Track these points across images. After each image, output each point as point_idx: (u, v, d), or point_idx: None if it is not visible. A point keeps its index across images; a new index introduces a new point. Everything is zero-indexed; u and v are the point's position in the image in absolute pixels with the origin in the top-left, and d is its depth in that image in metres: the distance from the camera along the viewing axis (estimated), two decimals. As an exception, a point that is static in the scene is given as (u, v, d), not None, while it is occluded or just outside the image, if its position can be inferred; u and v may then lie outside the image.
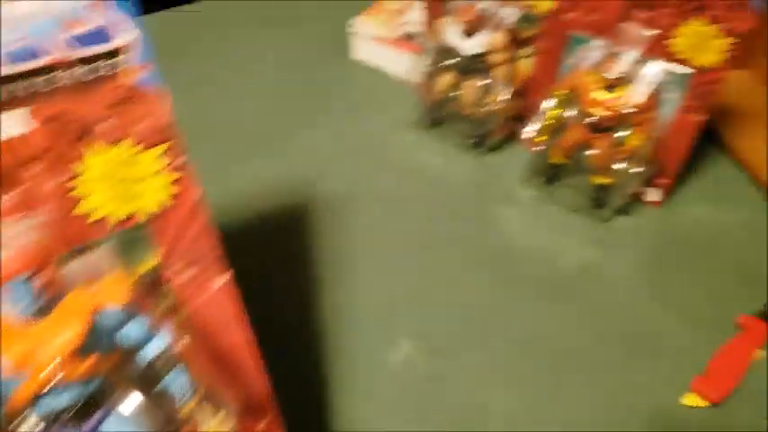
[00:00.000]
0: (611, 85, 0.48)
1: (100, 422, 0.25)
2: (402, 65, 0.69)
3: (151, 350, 0.27)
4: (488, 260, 0.53)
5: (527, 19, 0.55)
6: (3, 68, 0.22)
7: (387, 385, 0.44)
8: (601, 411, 0.43)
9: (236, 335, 0.31)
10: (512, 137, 0.64)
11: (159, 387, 0.27)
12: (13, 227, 0.24)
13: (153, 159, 0.27)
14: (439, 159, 0.63)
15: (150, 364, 0.26)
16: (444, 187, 0.60)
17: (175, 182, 0.27)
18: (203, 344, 0.29)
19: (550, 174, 0.57)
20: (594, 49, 0.50)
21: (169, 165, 0.27)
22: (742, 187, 0.60)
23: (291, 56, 0.75)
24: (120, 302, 0.26)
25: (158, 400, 0.27)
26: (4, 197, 0.24)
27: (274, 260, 0.52)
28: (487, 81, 0.57)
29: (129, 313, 0.26)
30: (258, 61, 0.74)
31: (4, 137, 0.23)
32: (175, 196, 0.27)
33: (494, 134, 0.61)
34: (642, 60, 0.48)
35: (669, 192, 0.57)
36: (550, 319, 0.49)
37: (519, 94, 0.59)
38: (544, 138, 0.55)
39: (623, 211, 0.56)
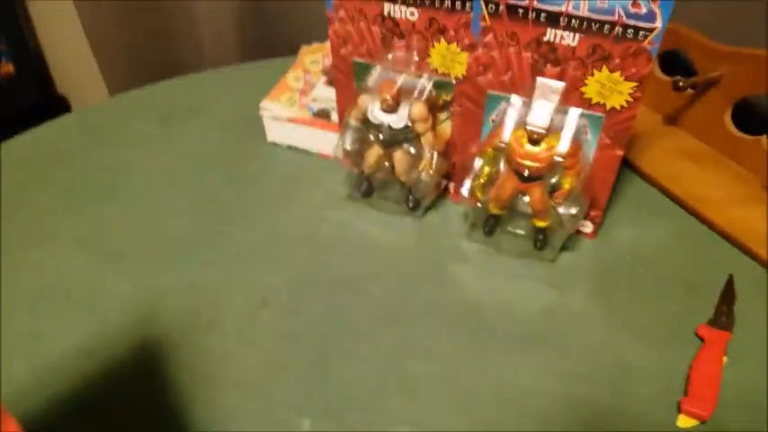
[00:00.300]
0: (536, 138, 0.51)
1: None
2: (321, 142, 0.70)
3: None
4: (452, 320, 0.54)
5: (442, 85, 0.57)
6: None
7: None
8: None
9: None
10: (445, 194, 0.65)
11: None
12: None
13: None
14: (380, 228, 0.63)
15: None
16: (392, 256, 0.60)
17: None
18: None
19: (491, 225, 0.59)
20: (514, 106, 0.53)
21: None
22: (661, 203, 0.65)
23: (204, 150, 0.73)
24: None
25: None
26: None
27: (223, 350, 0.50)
28: (415, 149, 0.59)
29: None
30: (170, 160, 0.71)
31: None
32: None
33: (428, 196, 0.62)
34: (560, 110, 0.51)
35: (600, 222, 0.61)
36: (519, 364, 0.50)
37: (446, 154, 0.61)
38: (479, 194, 0.56)
39: (565, 248, 0.59)
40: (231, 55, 1.06)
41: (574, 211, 0.54)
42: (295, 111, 0.70)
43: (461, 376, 0.50)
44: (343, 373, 0.50)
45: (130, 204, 0.65)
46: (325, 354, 0.51)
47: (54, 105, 1.34)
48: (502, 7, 0.49)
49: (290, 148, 0.73)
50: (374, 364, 0.51)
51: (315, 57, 0.79)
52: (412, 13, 0.53)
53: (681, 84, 0.65)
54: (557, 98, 0.51)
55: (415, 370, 0.50)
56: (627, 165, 0.68)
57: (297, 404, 0.47)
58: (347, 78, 0.60)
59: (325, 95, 0.71)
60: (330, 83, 0.72)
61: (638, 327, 0.53)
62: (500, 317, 0.54)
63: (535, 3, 0.48)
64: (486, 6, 0.50)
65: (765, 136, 0.64)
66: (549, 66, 0.51)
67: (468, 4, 0.51)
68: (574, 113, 0.52)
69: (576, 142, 0.52)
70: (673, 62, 0.70)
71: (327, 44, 0.62)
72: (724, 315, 0.52)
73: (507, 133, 0.53)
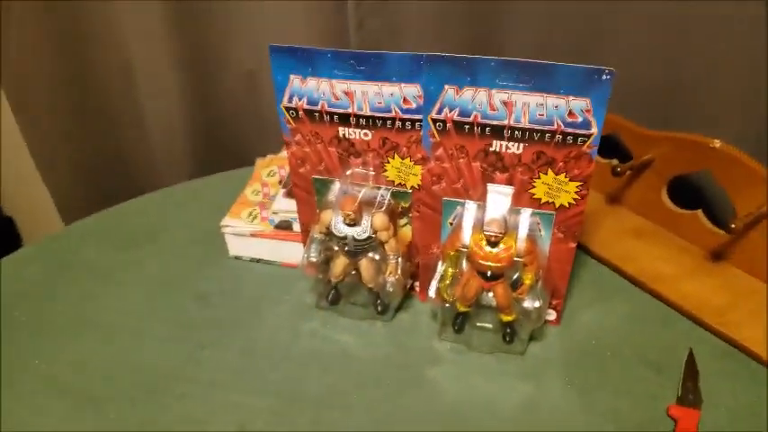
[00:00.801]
0: (494, 241, 0.54)
1: None
2: (284, 252, 0.71)
3: None
4: (437, 425, 0.54)
5: (400, 194, 0.60)
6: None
7: None
8: None
9: None
10: (411, 294, 0.67)
11: None
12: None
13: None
14: (352, 336, 0.63)
15: None
16: (369, 365, 0.60)
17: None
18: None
19: (460, 322, 0.61)
20: (469, 210, 0.56)
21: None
22: (616, 282, 0.69)
23: (168, 273, 0.72)
24: None
25: None
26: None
27: None
28: (380, 255, 0.61)
29: None
30: (134, 288, 0.70)
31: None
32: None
33: (395, 298, 0.64)
34: (513, 211, 0.55)
35: (562, 308, 0.63)
36: None
37: (409, 256, 0.63)
38: (446, 295, 0.58)
39: (533, 338, 0.61)
40: (183, 167, 1.07)
41: (537, 304, 0.57)
42: (257, 225, 0.72)
43: None
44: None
45: (99, 340, 0.64)
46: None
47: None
48: (449, 125, 0.53)
49: (253, 260, 0.74)
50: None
51: (271, 168, 0.82)
52: (366, 134, 0.56)
53: (618, 169, 0.70)
54: (508, 201, 0.54)
55: None
56: (579, 246, 0.72)
57: None
58: (308, 194, 0.63)
59: (286, 207, 0.73)
60: (289, 194, 0.74)
61: (613, 413, 0.54)
62: (482, 417, 0.55)
63: (479, 118, 0.52)
64: (435, 125, 0.53)
65: (701, 210, 0.69)
66: (497, 173, 0.54)
67: (417, 124, 0.54)
68: (525, 214, 0.55)
69: (531, 239, 0.55)
70: (609, 146, 0.76)
71: (282, 154, 0.64)
72: (690, 392, 0.54)
73: (466, 237, 0.56)
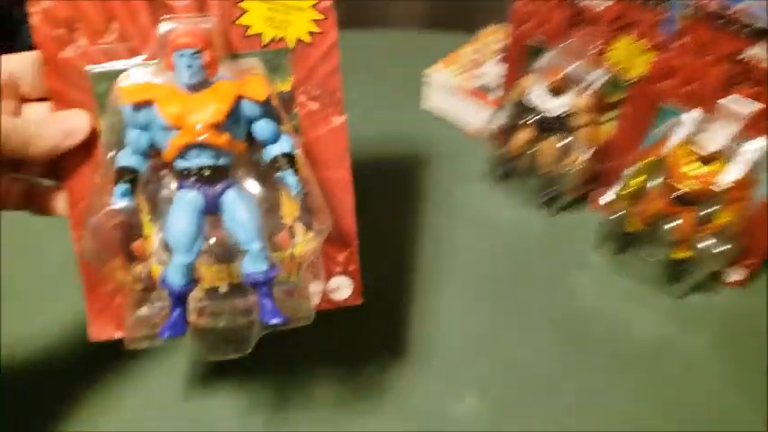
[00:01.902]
0: (704, 160, 0.47)
1: (221, 192, 0.31)
2: (474, 116, 0.69)
3: (275, 149, 0.32)
4: (557, 322, 0.51)
5: (615, 84, 0.54)
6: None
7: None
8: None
9: (340, 171, 0.37)
10: (584, 199, 0.62)
11: (275, 179, 0.32)
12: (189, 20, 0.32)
13: None
14: (508, 214, 0.61)
15: (272, 160, 0.32)
16: (513, 243, 0.58)
17: (318, 21, 0.34)
18: (313, 170, 0.34)
19: (624, 242, 0.55)
20: (687, 121, 0.49)
21: (317, 4, 0.34)
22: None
23: (362, 103, 0.74)
24: (258, 98, 0.31)
25: (271, 193, 0.33)
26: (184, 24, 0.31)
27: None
28: (567, 141, 0.56)
29: (264, 111, 0.31)
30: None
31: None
32: (315, 35, 0.34)
33: (567, 194, 0.60)
34: (741, 137, 0.46)
35: (753, 273, 0.54)
36: (618, 390, 0.47)
37: (598, 157, 0.57)
38: (623, 205, 0.53)
39: (699, 288, 0.54)
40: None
41: (721, 249, 0.49)
42: (459, 81, 0.70)
43: (552, 380, 0.47)
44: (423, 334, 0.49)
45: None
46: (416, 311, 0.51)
47: None
48: (703, 12, 0.45)
49: (442, 117, 0.73)
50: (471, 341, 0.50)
51: (494, 37, 0.78)
52: (600, 4, 0.50)
53: None
54: (741, 123, 0.46)
55: (500, 354, 0.49)
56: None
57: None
58: (519, 59, 0.59)
59: (495, 72, 0.70)
60: (504, 59, 0.71)
61: (754, 395, 0.47)
62: (605, 333, 0.51)
63: (740, 15, 0.43)
64: (687, 8, 0.46)
65: None
66: (742, 85, 0.46)
67: (665, 2, 0.47)
68: (758, 144, 0.46)
69: (749, 176, 0.47)
70: None
71: (507, 27, 0.61)
72: None
73: (671, 147, 0.49)
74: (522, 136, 0.58)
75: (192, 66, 0.30)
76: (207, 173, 0.31)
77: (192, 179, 0.31)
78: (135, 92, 0.30)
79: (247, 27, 0.34)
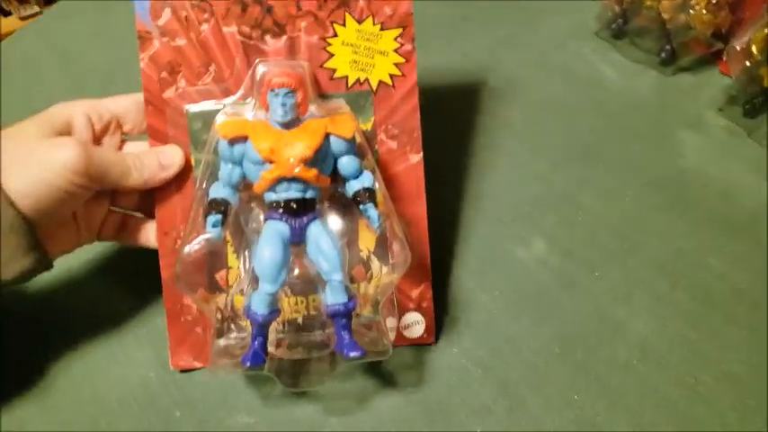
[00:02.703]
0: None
1: (307, 224, 0.32)
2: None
3: (357, 184, 0.33)
4: (656, 181, 0.48)
5: None
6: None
7: (514, 279, 0.43)
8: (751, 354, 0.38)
9: (417, 207, 0.37)
10: (709, 59, 0.56)
11: (356, 211, 0.34)
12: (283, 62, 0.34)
13: (389, 40, 0.36)
14: (618, 72, 0.57)
15: (354, 194, 0.33)
16: (619, 102, 0.55)
17: (400, 65, 0.36)
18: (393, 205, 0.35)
19: (756, 102, 0.50)
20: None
21: (399, 48, 0.36)
22: None
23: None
24: (345, 135, 0.32)
25: (352, 225, 0.35)
26: (278, 41, 0.35)
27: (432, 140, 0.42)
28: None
29: (350, 148, 0.33)
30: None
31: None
32: (397, 77, 0.36)
33: (688, 50, 0.54)
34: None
35: None
36: (712, 251, 0.44)
37: (730, 3, 0.51)
38: (757, 57, 0.47)
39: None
40: None
41: None
42: None
43: (637, 240, 0.45)
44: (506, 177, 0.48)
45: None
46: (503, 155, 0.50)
47: None
48: None
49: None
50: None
51: None
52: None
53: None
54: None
55: (588, 206, 0.47)
56: None
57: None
58: None
59: None
60: None
61: None
62: (711, 196, 0.47)
63: None
64: None
65: None
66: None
67: None
68: None
69: None
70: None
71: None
72: None
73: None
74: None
75: (286, 104, 0.32)
76: (294, 205, 0.32)
77: (280, 211, 0.32)
78: (231, 128, 0.32)
79: (334, 70, 0.36)
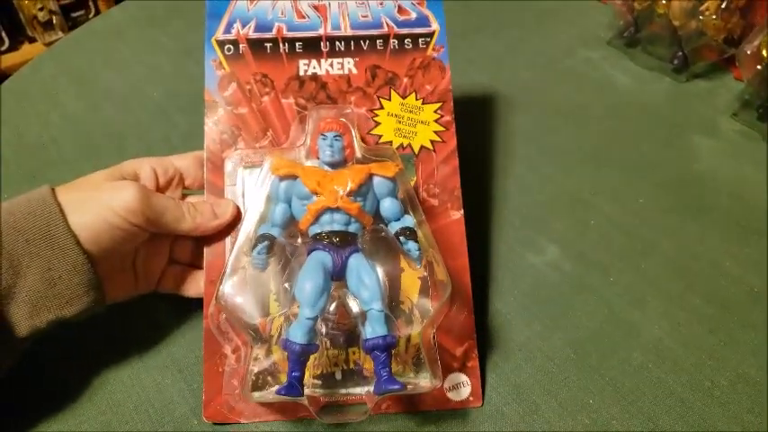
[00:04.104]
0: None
1: (348, 255, 0.33)
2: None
3: (398, 224, 0.34)
4: (670, 185, 0.48)
5: None
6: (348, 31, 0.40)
7: (527, 284, 0.42)
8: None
9: (459, 259, 0.38)
10: (723, 65, 0.57)
11: (399, 248, 0.34)
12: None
13: (430, 112, 0.40)
14: (630, 79, 0.58)
15: (396, 233, 0.34)
16: (632, 107, 0.55)
17: (440, 133, 0.39)
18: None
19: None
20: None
21: (439, 119, 0.40)
22: None
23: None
24: (387, 174, 0.34)
25: (394, 264, 0.35)
26: (330, 111, 0.38)
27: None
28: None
29: (392, 190, 0.35)
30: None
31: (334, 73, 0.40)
32: (437, 143, 0.39)
33: (701, 57, 0.54)
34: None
35: None
36: (727, 255, 0.44)
37: (740, 9, 0.52)
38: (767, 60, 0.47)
39: None
40: None
41: None
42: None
43: (650, 241, 0.45)
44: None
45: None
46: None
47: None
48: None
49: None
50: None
51: None
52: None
53: None
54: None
55: (599, 209, 0.47)
56: None
57: None
58: None
59: None
60: None
61: None
62: (725, 197, 0.47)
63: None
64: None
65: None
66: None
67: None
68: None
69: None
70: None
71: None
72: None
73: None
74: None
75: (334, 146, 0.34)
76: (336, 239, 0.33)
77: (324, 242, 0.33)
78: (282, 166, 0.34)
79: (380, 136, 0.39)
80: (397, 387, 0.30)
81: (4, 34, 1.28)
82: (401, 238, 0.34)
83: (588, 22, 0.65)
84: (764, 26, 0.49)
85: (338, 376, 0.35)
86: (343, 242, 0.33)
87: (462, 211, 0.39)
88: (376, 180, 0.34)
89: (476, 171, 0.50)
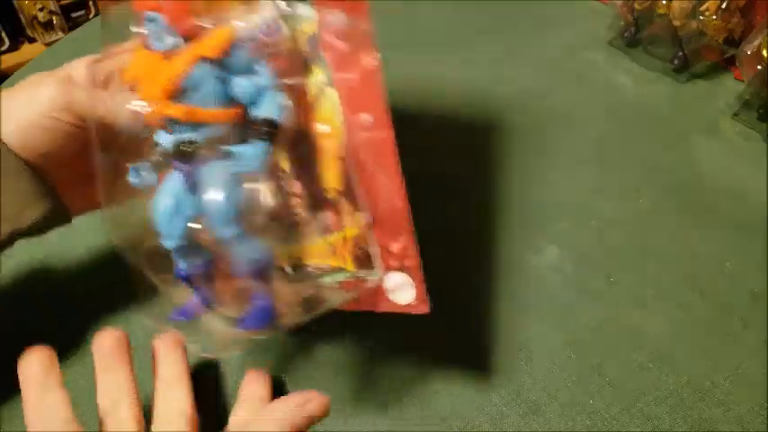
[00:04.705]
0: None
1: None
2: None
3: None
4: (671, 186, 0.48)
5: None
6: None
7: (527, 286, 0.42)
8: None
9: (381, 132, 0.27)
10: (723, 65, 0.57)
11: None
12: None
13: None
14: (631, 80, 0.58)
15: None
16: (633, 108, 0.55)
17: None
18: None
19: None
20: None
21: None
22: None
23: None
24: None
25: None
26: None
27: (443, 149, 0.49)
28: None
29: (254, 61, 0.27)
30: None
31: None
32: None
33: (701, 57, 0.55)
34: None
35: None
36: (729, 256, 0.44)
37: (741, 9, 0.51)
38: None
39: None
40: None
41: None
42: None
43: (650, 244, 0.45)
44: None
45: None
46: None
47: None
48: None
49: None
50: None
51: None
52: None
53: None
54: None
55: (600, 212, 0.47)
56: None
57: None
58: None
59: None
60: None
61: None
62: (727, 199, 0.47)
63: None
64: None
65: None
66: None
67: None
68: None
69: None
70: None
71: None
72: None
73: None
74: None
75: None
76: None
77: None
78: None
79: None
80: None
81: (4, 34, 1.28)
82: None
83: (589, 23, 0.65)
84: (764, 26, 0.49)
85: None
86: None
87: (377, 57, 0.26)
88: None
89: (476, 171, 0.50)
